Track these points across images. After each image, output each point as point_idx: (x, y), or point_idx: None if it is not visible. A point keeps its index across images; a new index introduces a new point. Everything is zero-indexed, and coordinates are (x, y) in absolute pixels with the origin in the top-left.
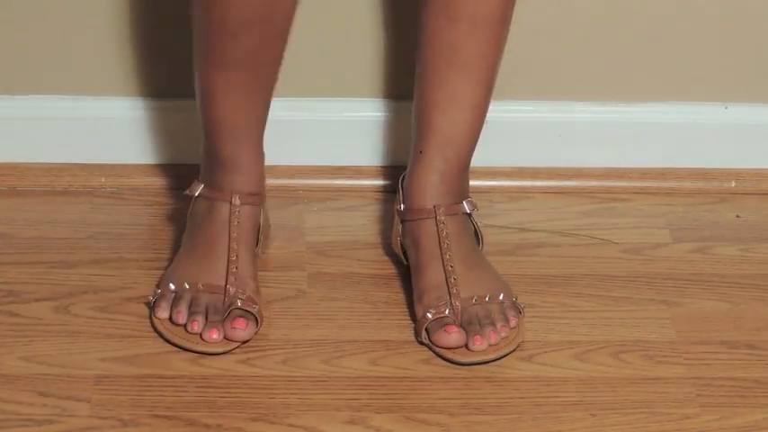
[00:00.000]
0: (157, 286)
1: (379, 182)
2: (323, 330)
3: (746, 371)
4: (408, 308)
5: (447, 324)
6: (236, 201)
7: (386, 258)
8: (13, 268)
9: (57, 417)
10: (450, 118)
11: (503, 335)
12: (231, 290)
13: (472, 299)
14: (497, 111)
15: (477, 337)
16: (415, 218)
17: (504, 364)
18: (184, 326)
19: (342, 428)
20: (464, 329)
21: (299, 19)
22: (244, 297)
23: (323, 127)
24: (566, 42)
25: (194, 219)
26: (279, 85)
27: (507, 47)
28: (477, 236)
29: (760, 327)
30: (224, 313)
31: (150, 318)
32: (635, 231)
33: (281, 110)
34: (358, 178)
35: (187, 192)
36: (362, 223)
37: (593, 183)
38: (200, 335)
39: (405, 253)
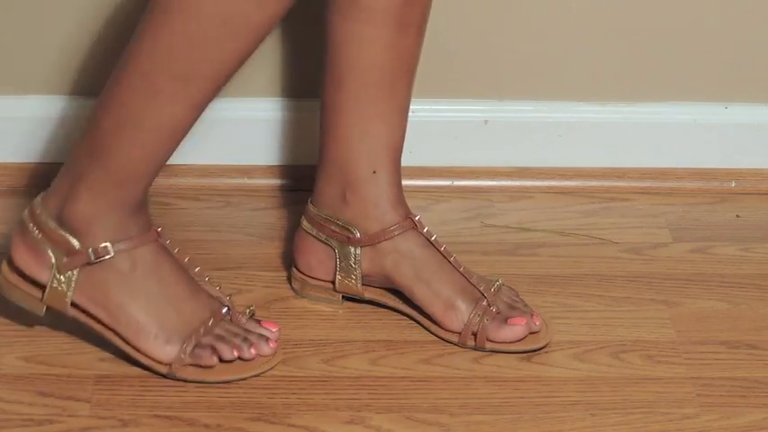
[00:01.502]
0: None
1: None
2: (323, 330)
3: (746, 371)
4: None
5: (509, 318)
6: (154, 235)
7: None
8: None
9: (57, 417)
10: (392, 131)
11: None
12: (229, 305)
13: (491, 288)
14: (498, 111)
15: (535, 317)
16: (391, 235)
17: (504, 364)
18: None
19: (342, 428)
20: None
21: (300, 19)
22: (248, 310)
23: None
24: (566, 42)
25: (133, 273)
26: (279, 86)
27: (508, 47)
28: None
29: (760, 327)
30: (242, 330)
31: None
32: (635, 231)
33: (281, 110)
34: None
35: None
36: None
37: (593, 183)
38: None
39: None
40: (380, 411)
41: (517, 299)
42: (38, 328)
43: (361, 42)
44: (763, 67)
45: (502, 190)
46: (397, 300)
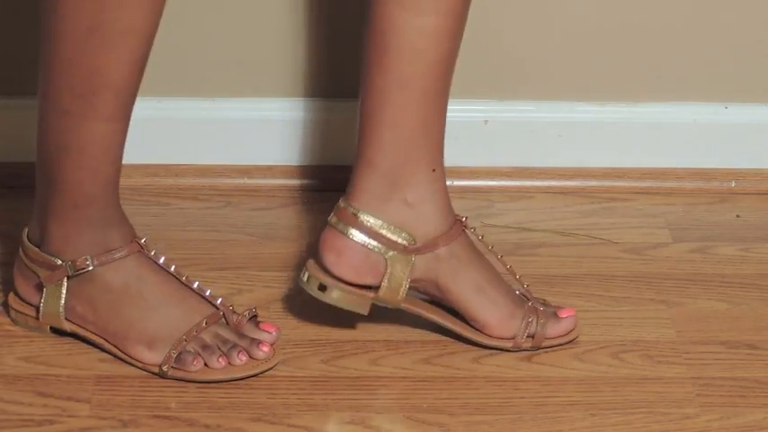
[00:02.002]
0: (165, 364)
1: None
2: (323, 330)
3: (747, 371)
4: None
5: (557, 310)
6: (137, 246)
7: None
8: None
9: (57, 417)
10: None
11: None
12: (223, 309)
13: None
14: (498, 111)
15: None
16: (449, 241)
17: (504, 364)
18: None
19: (342, 428)
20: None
21: (300, 18)
22: (246, 312)
23: (324, 127)
24: (566, 42)
25: (116, 285)
26: (280, 86)
27: (508, 47)
28: None
29: (760, 327)
30: (238, 334)
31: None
32: (635, 231)
33: (281, 110)
34: None
35: (78, 270)
36: None
37: (593, 183)
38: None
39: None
40: (380, 411)
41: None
42: (38, 328)
43: (431, 37)
44: (762, 67)
45: (502, 190)
46: (436, 310)
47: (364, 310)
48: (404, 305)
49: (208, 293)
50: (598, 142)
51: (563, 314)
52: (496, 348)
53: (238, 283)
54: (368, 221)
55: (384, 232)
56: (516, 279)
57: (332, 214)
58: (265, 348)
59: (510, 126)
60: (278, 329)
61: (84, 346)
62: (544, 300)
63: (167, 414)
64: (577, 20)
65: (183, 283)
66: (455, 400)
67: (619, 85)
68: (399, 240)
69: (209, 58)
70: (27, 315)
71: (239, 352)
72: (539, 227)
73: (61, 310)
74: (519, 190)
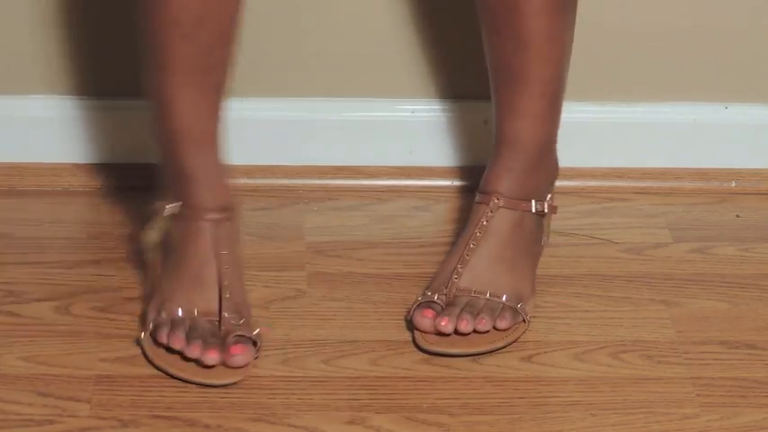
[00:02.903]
0: (146, 317)
1: (379, 182)
2: (323, 330)
3: (747, 371)
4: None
5: (426, 308)
6: (213, 218)
7: (386, 258)
8: (13, 268)
9: (57, 417)
10: (510, 124)
11: (480, 327)
12: (226, 315)
13: (471, 291)
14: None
15: (446, 318)
16: (477, 201)
17: (504, 364)
18: (181, 353)
19: (342, 428)
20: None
21: (299, 18)
22: (240, 323)
23: (323, 127)
24: None
25: (172, 240)
26: (279, 86)
27: None
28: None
29: (760, 327)
30: (221, 339)
31: (142, 348)
32: (635, 231)
33: (281, 110)
34: (358, 178)
35: (157, 213)
36: (362, 223)
37: (593, 183)
38: (199, 359)
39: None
40: (380, 411)
41: (485, 311)
42: (38, 328)
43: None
44: (763, 67)
45: None
46: None
47: None
48: None
49: (228, 295)
50: (598, 142)
51: (424, 313)
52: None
53: None
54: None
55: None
56: None
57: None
58: (213, 354)
59: None
60: (246, 355)
61: (85, 345)
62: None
63: (167, 414)
64: (577, 20)
65: (218, 274)
66: (455, 400)
67: (619, 85)
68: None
69: None
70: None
71: (198, 346)
72: None
73: (156, 241)
74: None
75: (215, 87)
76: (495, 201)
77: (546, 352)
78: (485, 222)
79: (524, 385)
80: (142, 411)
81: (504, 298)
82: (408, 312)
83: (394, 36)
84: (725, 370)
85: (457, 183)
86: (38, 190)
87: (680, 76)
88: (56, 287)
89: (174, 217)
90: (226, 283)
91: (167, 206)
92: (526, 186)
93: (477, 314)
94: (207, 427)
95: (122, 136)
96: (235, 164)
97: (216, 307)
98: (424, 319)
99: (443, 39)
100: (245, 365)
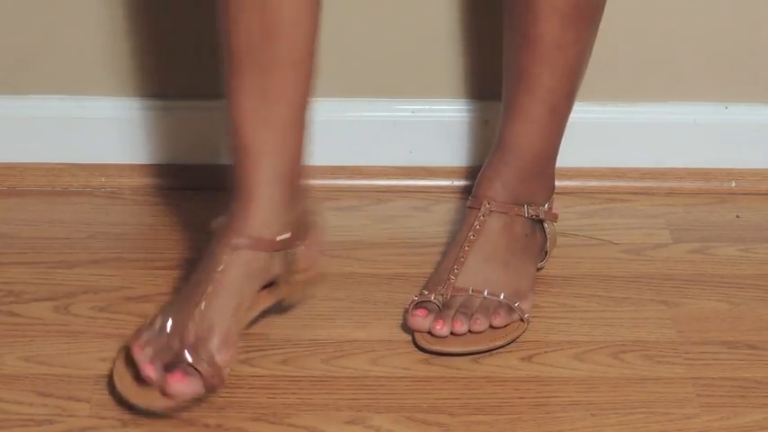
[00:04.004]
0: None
1: (379, 182)
2: (323, 330)
3: (747, 371)
4: None
5: (420, 308)
6: (235, 242)
7: (386, 258)
8: (13, 268)
9: (57, 417)
10: (509, 126)
11: (475, 328)
12: (189, 337)
13: (468, 290)
14: (498, 111)
15: (440, 321)
16: (469, 205)
17: (504, 364)
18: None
19: (342, 428)
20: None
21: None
22: (196, 350)
23: (323, 127)
24: None
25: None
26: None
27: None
28: (541, 244)
29: (760, 327)
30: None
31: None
32: (635, 231)
33: None
34: (358, 178)
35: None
36: (362, 223)
37: (593, 183)
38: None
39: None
40: (380, 411)
41: (480, 311)
42: (38, 328)
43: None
44: (763, 67)
45: None
46: None
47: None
48: None
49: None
50: (598, 142)
51: (415, 312)
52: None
53: None
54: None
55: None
56: None
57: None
58: (179, 380)
59: None
60: (187, 382)
61: (85, 345)
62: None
63: (167, 414)
64: None
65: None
66: (455, 400)
67: (619, 85)
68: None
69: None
70: None
71: (165, 368)
72: None
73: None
74: None
75: (277, 90)
76: (486, 206)
77: (546, 352)
78: (477, 226)
79: (524, 385)
80: (142, 411)
81: (501, 296)
82: (407, 311)
83: (394, 36)
84: (725, 370)
85: (457, 183)
86: (38, 190)
87: (680, 76)
88: (55, 287)
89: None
90: (199, 303)
91: (219, 218)
92: (518, 193)
93: (472, 315)
94: (207, 426)
95: (123, 136)
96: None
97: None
98: (416, 318)
99: (443, 39)
100: (182, 395)
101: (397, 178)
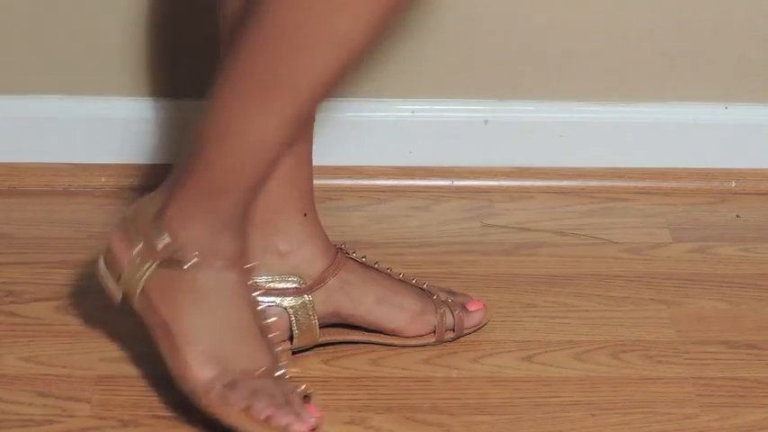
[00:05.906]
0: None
1: (379, 182)
2: (323, 330)
3: (747, 371)
4: None
5: (467, 303)
6: (238, 266)
7: (386, 258)
8: (13, 268)
9: (57, 417)
10: None
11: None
12: (283, 368)
13: (424, 285)
14: (498, 111)
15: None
16: (337, 270)
17: (504, 364)
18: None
19: (342, 428)
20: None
21: None
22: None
23: (323, 127)
24: (566, 42)
25: (205, 291)
26: None
27: (508, 47)
28: None
29: (760, 327)
30: (285, 395)
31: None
32: (635, 231)
33: None
34: (358, 178)
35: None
36: (362, 223)
37: (593, 183)
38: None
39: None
40: (380, 411)
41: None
42: (38, 328)
43: None
44: (763, 67)
45: (502, 190)
46: (352, 331)
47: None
48: (322, 339)
49: (279, 350)
50: (598, 142)
51: (472, 307)
52: (421, 345)
53: None
54: (257, 285)
55: (274, 285)
56: (413, 284)
57: None
58: (304, 428)
59: (510, 126)
60: (321, 416)
61: (85, 345)
62: (449, 289)
63: (167, 414)
64: (578, 20)
65: (261, 326)
66: (455, 400)
67: (619, 85)
68: (290, 286)
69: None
70: (110, 276)
71: (287, 413)
72: (539, 227)
73: (140, 284)
74: (519, 190)
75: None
76: (343, 246)
77: (546, 352)
78: (364, 257)
79: (524, 385)
80: (142, 411)
81: None
82: (439, 333)
83: (394, 36)
84: (725, 370)
85: (457, 183)
86: (38, 190)
87: (680, 76)
88: (55, 287)
89: (196, 268)
90: (271, 336)
91: (182, 254)
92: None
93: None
94: (207, 426)
95: (123, 136)
96: None
97: (273, 362)
98: (480, 311)
99: (443, 39)
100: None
101: (397, 178)
